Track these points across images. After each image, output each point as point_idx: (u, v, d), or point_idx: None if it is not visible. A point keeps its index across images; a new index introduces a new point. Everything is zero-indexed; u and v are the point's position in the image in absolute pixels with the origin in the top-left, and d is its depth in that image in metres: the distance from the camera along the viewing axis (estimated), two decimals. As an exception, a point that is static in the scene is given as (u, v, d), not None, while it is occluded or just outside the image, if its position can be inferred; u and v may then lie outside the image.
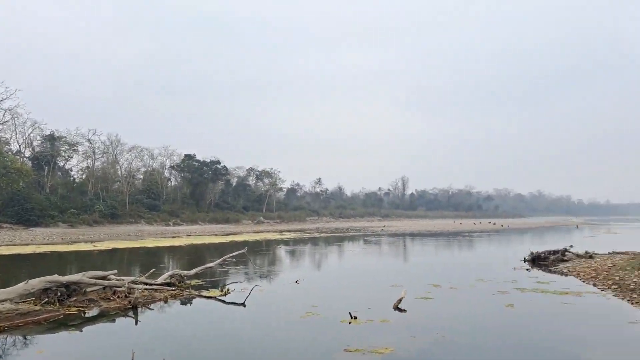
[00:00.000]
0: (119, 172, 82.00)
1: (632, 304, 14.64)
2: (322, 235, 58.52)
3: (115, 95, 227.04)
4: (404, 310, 13.85)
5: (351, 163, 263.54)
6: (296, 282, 19.64)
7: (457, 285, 18.74)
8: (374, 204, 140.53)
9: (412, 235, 60.53)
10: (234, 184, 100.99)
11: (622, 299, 15.47)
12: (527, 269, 24.29)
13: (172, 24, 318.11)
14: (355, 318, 12.49)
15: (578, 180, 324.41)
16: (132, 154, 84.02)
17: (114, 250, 36.57)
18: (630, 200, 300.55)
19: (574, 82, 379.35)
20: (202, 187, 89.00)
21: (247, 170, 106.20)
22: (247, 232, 64.27)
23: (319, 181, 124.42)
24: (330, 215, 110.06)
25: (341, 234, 60.37)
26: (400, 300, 14.41)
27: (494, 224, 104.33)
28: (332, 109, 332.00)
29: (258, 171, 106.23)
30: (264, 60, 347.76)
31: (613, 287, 17.60)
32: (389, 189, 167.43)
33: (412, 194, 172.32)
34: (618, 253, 29.63)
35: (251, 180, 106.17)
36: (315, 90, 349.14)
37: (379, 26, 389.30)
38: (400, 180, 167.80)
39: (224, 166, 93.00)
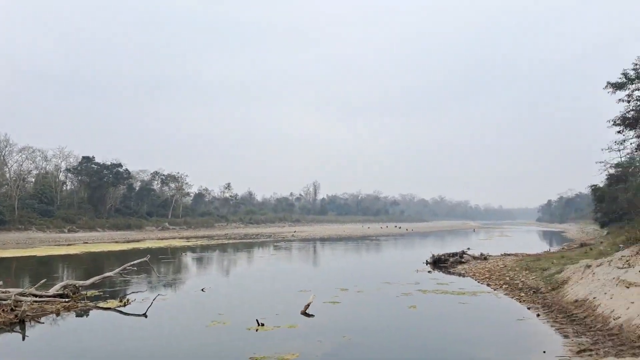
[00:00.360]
0: (7, 175, 75.19)
1: (520, 301, 15.93)
2: (231, 241, 57.62)
3: (5, 91, 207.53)
4: (312, 315, 13.99)
5: (263, 168, 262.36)
6: (202, 290, 19.14)
7: (364, 288, 19.29)
8: (285, 210, 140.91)
9: (323, 240, 61.46)
10: (137, 188, 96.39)
11: (512, 297, 16.79)
12: (429, 271, 25.59)
13: (76, 16, 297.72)
14: (263, 325, 12.42)
15: (475, 187, 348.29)
16: (23, 155, 77.47)
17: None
18: (519, 205, 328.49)
19: (471, 92, 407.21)
20: (102, 192, 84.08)
21: (151, 174, 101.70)
22: (150, 239, 61.59)
23: (228, 186, 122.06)
24: (240, 221, 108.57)
25: (251, 240, 59.83)
26: (308, 306, 14.54)
27: (400, 227, 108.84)
28: (244, 113, 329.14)
29: (163, 175, 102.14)
30: (172, 60, 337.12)
31: (504, 286, 19.07)
32: (300, 194, 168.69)
33: (323, 199, 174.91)
34: (509, 255, 32.18)
35: (156, 185, 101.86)
36: (228, 93, 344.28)
37: (294, 27, 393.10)
38: (312, 185, 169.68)
39: (126, 169, 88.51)
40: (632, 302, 11.68)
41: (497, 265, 25.33)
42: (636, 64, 26.31)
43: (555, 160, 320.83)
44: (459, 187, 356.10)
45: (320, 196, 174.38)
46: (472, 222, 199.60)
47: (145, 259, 22.67)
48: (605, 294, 13.39)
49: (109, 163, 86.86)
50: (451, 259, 28.88)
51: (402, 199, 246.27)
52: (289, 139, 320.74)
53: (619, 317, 11.35)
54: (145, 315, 14.28)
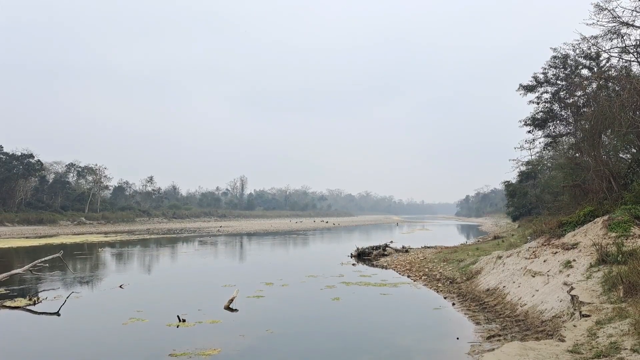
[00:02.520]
0: None
1: (437, 292, 16.70)
2: (153, 236, 55.72)
3: None
4: (235, 309, 13.88)
5: (188, 162, 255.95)
6: (120, 286, 18.40)
7: (289, 282, 19.41)
8: (210, 204, 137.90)
9: (249, 235, 60.97)
10: (51, 180, 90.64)
11: (430, 288, 17.57)
12: (353, 264, 26.17)
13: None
14: (184, 321, 12.15)
15: (399, 183, 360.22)
16: None
17: None
18: (439, 200, 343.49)
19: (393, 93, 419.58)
20: (10, 184, 78.22)
21: (67, 165, 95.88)
22: (65, 234, 58.18)
23: (150, 179, 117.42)
24: (163, 215, 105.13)
25: (174, 235, 58.16)
26: (231, 300, 14.41)
27: (327, 222, 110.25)
28: (171, 106, 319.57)
29: (80, 167, 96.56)
30: (92, 48, 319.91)
31: (423, 277, 19.90)
32: (227, 189, 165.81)
33: (250, 194, 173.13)
34: (429, 247, 33.57)
35: (72, 178, 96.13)
36: (153, 84, 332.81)
37: (216, 16, 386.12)
38: (239, 180, 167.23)
39: (39, 160, 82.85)
40: (537, 290, 12.59)
41: (418, 258, 26.34)
42: (545, 69, 28.25)
43: (474, 157, 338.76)
44: (384, 183, 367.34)
45: (247, 191, 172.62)
46: (395, 217, 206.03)
47: (58, 254, 21.43)
48: (513, 282, 14.33)
49: (19, 154, 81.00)
50: (375, 252, 29.66)
51: (330, 194, 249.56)
52: (216, 134, 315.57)
53: (525, 305, 12.21)
54: (58, 314, 13.52)
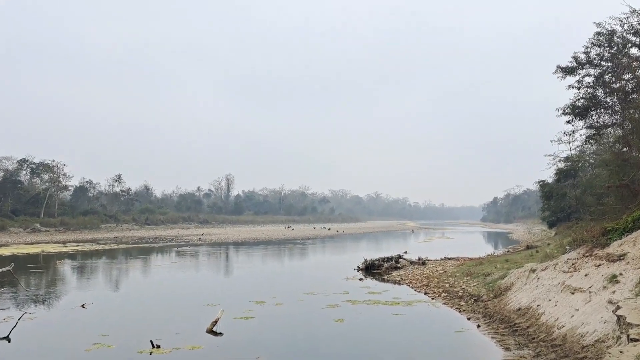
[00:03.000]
0: None
1: (459, 311, 16.74)
2: (122, 246, 55.78)
3: None
4: (220, 333, 13.92)
5: (163, 157, 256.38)
6: (82, 306, 18.43)
7: (284, 300, 19.44)
8: (190, 208, 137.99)
9: (237, 244, 61.03)
10: None
11: (451, 307, 17.62)
12: (360, 279, 26.24)
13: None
14: (158, 347, 12.18)
15: (415, 183, 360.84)
16: None
17: None
18: (462, 203, 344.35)
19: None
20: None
21: (18, 161, 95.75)
22: (17, 244, 58.28)
23: (118, 178, 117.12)
24: (134, 221, 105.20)
25: (147, 245, 58.24)
26: (215, 322, 14.43)
27: (329, 229, 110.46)
28: (145, 91, 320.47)
29: (34, 163, 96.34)
30: (49, 27, 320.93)
31: (443, 294, 19.95)
32: (210, 190, 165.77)
33: (238, 195, 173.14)
34: (449, 259, 33.64)
35: (24, 176, 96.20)
36: (127, 66, 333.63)
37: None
38: (224, 179, 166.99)
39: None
40: (577, 310, 12.62)
41: (436, 271, 26.42)
42: (587, 47, 28.23)
43: (503, 153, 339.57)
44: (397, 184, 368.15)
45: (234, 192, 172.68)
46: (410, 222, 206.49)
47: (8, 268, 21.45)
48: (549, 300, 14.36)
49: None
50: (385, 265, 29.73)
51: (333, 196, 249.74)
52: (198, 124, 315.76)
53: (563, 326, 12.24)
54: (7, 338, 13.55)
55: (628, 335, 9.41)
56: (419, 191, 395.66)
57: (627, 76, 25.45)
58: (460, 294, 19.54)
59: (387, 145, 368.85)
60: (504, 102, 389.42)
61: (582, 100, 28.91)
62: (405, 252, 37.85)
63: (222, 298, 20.05)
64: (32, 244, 59.51)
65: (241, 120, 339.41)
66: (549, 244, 35.71)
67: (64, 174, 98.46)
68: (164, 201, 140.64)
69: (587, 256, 16.06)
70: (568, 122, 29.89)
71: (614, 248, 15.18)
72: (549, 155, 49.44)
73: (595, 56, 28.15)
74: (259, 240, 70.00)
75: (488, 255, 36.16)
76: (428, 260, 32.56)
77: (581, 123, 29.68)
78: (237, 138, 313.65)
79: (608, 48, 27.70)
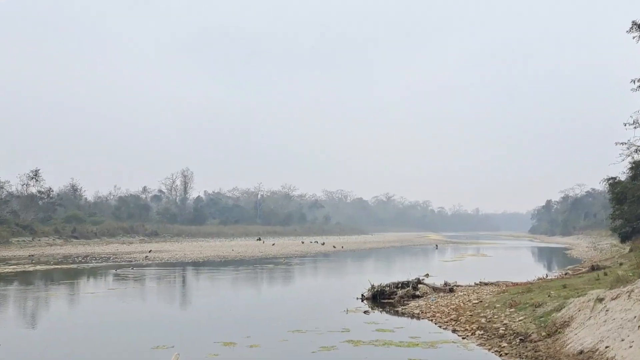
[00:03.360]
0: None
1: (500, 355, 16.68)
2: (41, 267, 55.46)
3: None
4: (173, 386, 13.81)
5: (95, 146, 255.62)
6: (-14, 349, 18.31)
7: (261, 340, 19.35)
8: (134, 215, 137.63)
9: (197, 265, 60.73)
10: None
11: (489, 349, 17.54)
12: (365, 311, 26.24)
13: None
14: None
15: (439, 183, 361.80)
16: None
17: None
18: (504, 209, 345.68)
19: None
20: None
21: None
22: None
23: (35, 175, 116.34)
24: (57, 233, 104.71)
25: (75, 266, 57.91)
26: (166, 371, 14.34)
27: (324, 244, 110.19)
28: (68, 52, 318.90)
29: None
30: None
31: (478, 332, 19.88)
32: (160, 191, 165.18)
33: (198, 198, 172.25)
34: (486, 284, 33.61)
35: None
36: (38, 19, 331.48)
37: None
38: (180, 176, 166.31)
39: None
40: (660, 352, 12.56)
41: (469, 301, 26.38)
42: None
43: (558, 143, 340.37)
44: (415, 183, 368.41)
45: (193, 194, 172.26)
46: (433, 235, 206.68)
47: None
48: (622, 340, 14.30)
49: None
50: (400, 292, 29.64)
51: (328, 199, 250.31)
52: (142, 100, 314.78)
53: (641, 375, 12.17)
54: None
55: None
56: (445, 193, 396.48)
57: None
58: (501, 331, 19.47)
59: (402, 133, 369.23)
60: (556, 75, 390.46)
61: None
62: (427, 275, 37.87)
63: (178, 338, 19.95)
64: None
65: (202, 95, 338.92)
66: (621, 264, 35.75)
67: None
68: (98, 206, 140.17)
69: (673, 280, 16.03)
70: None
71: None
72: (622, 144, 49.49)
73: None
74: (227, 258, 69.84)
75: (539, 279, 36.19)
76: (457, 286, 32.53)
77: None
78: (199, 122, 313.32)
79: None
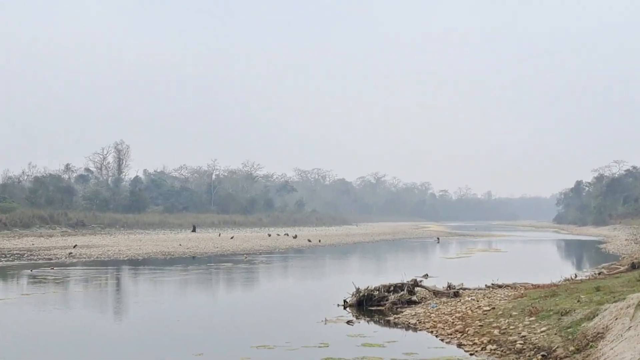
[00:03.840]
0: None
1: (517, 376, 16.80)
2: None
3: None
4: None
5: (4, 113, 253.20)
6: None
7: (217, 359, 19.34)
8: (54, 200, 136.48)
9: (136, 263, 60.46)
10: None
11: (503, 368, 17.67)
12: (349, 321, 26.42)
13: None
14: None
15: (441, 161, 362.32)
16: None
17: None
18: (522, 193, 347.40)
19: None
20: None
21: None
22: None
23: None
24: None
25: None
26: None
27: (295, 236, 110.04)
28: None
29: None
30: None
31: (489, 347, 20.00)
32: (88, 170, 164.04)
33: (137, 179, 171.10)
34: (500, 287, 33.71)
35: None
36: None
37: None
38: (113, 150, 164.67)
39: None
40: None
41: (478, 308, 26.45)
42: None
43: (589, 111, 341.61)
44: (411, 161, 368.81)
45: (130, 173, 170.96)
46: (434, 225, 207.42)
47: None
48: (669, 356, 14.46)
49: None
50: (392, 297, 29.72)
51: (302, 180, 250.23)
52: (66, 52, 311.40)
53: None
54: None
55: None
56: (450, 173, 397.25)
57: None
58: (518, 345, 19.57)
59: (395, 98, 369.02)
60: (583, 30, 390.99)
61: None
62: (426, 276, 38.07)
63: (108, 357, 19.94)
64: None
65: (141, 48, 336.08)
66: (668, 261, 36.05)
67: None
68: (8, 189, 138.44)
69: None
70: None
71: None
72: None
73: None
74: (174, 256, 69.74)
75: (566, 280, 36.45)
76: (464, 289, 32.65)
77: None
78: (138, 82, 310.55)
79: None
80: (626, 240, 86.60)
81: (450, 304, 28.64)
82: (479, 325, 23.16)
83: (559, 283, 33.65)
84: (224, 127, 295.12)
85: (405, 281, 32.01)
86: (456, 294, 30.91)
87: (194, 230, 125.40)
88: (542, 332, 20.57)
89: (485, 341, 20.84)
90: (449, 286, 32.49)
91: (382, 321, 26.42)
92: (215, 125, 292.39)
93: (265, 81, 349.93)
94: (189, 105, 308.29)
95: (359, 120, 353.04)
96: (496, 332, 21.76)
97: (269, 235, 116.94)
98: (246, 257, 66.01)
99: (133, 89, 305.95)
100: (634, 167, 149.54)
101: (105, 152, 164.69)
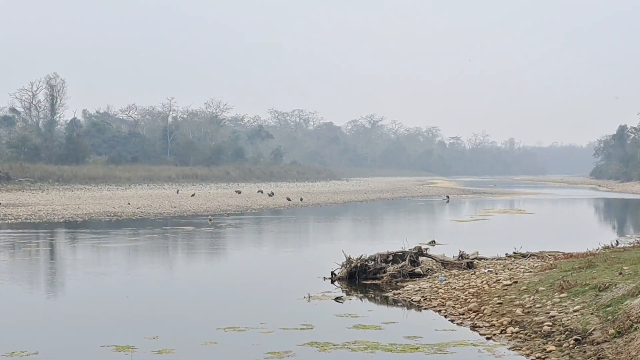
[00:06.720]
0: None
1: (544, 365, 16.89)
2: None
3: None
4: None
5: None
6: None
7: (176, 343, 19.45)
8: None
9: (74, 226, 60.55)
10: None
11: (527, 354, 17.77)
12: (338, 298, 26.47)
13: None
14: None
15: (451, 101, 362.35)
16: None
17: None
18: (551, 141, 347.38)
19: None
20: None
21: None
22: None
23: None
24: None
25: None
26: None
27: (271, 194, 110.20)
28: None
29: None
30: None
31: (510, 329, 20.08)
32: (13, 110, 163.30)
33: (75, 121, 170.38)
34: (524, 256, 33.82)
35: None
36: None
37: None
38: (45, 86, 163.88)
39: None
40: None
41: (497, 282, 26.56)
42: None
43: (628, 44, 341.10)
44: (415, 102, 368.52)
45: (66, 115, 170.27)
46: (443, 180, 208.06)
47: None
48: None
49: None
50: (391, 268, 29.81)
51: (281, 125, 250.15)
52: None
53: None
54: None
55: None
56: (462, 117, 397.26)
57: None
58: (545, 327, 19.62)
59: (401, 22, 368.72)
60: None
61: None
62: (433, 243, 38.24)
63: (44, 340, 20.10)
64: None
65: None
66: None
67: None
68: None
69: None
70: None
71: None
72: None
73: None
74: (121, 217, 69.95)
75: (605, 248, 36.53)
76: (479, 259, 32.81)
77: None
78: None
79: None
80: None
81: (462, 277, 28.81)
82: (498, 303, 23.26)
83: (596, 252, 33.63)
84: (182, 57, 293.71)
85: (407, 249, 32.09)
86: (470, 265, 31.00)
87: (192, 195, 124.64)
88: (575, 311, 20.63)
89: (505, 322, 20.91)
90: (461, 255, 32.54)
91: (379, 298, 26.52)
92: (171, 54, 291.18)
93: None
94: (138, 29, 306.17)
95: (353, 49, 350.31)
96: (519, 311, 21.83)
97: (239, 192, 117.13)
98: (211, 220, 66.36)
99: (69, 9, 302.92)
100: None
101: (34, 89, 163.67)
